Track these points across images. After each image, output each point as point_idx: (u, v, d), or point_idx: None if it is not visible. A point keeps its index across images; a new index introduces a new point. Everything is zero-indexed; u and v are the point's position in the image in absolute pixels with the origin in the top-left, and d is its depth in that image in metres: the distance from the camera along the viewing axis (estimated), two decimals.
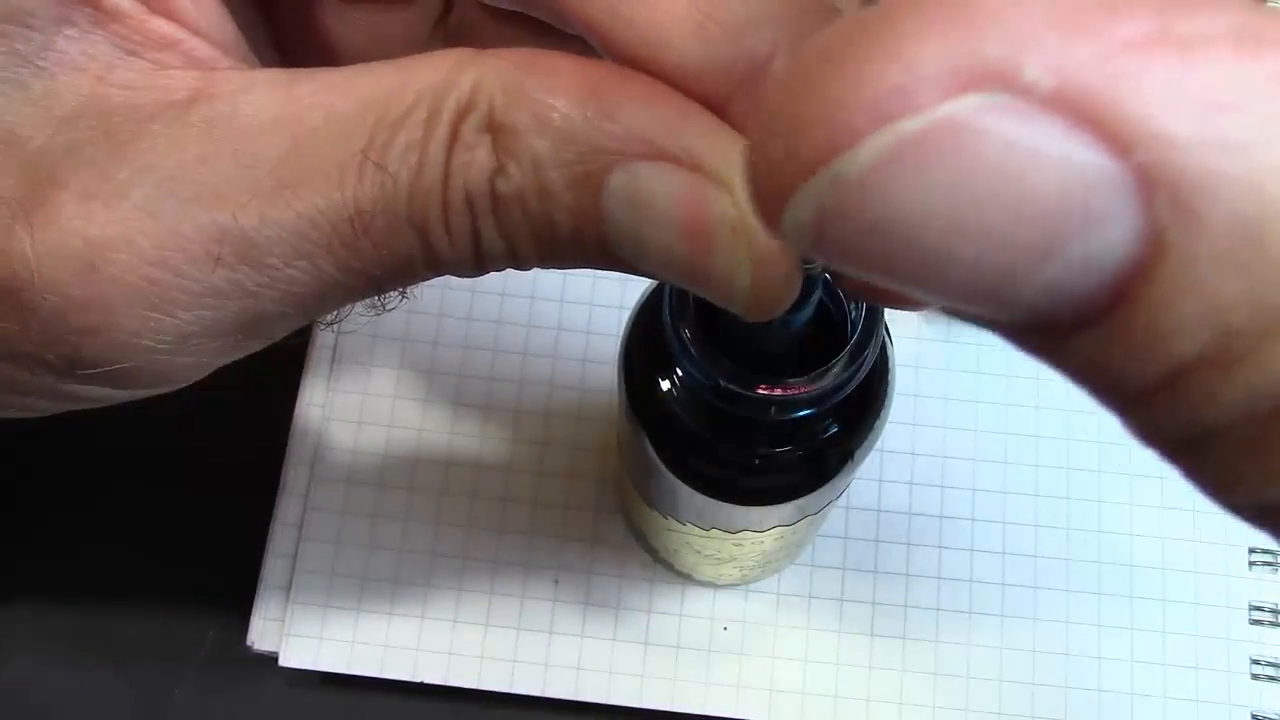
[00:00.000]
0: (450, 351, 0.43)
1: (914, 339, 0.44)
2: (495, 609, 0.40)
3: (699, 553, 0.35)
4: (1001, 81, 0.09)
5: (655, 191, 0.17)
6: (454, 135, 0.18)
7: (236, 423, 0.42)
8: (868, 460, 0.29)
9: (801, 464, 0.28)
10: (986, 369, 0.43)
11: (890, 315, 0.25)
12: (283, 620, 0.40)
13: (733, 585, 0.41)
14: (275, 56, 0.24)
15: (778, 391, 0.24)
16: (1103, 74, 0.09)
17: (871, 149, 0.09)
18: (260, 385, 0.36)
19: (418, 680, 0.40)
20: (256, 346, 0.21)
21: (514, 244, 0.19)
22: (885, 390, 0.28)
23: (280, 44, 0.24)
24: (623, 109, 0.17)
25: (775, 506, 0.29)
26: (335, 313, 0.23)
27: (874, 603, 0.41)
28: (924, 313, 0.44)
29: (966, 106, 0.09)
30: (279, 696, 0.41)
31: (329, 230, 0.18)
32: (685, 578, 0.41)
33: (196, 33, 0.20)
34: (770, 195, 0.10)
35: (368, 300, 0.21)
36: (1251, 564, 0.41)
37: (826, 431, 0.27)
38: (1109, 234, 0.09)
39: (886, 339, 0.27)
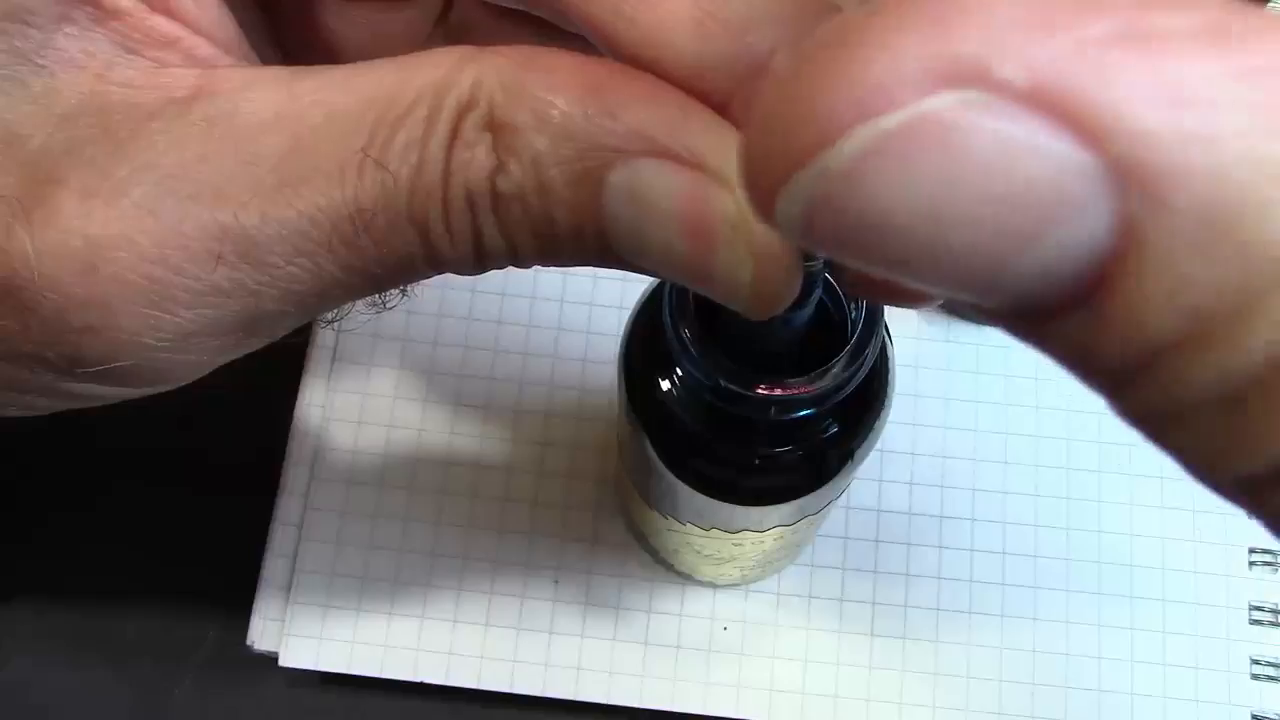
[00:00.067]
0: (450, 351, 0.43)
1: (914, 339, 0.44)
2: (495, 609, 0.40)
3: (699, 553, 0.35)
4: (975, 79, 0.10)
5: (656, 189, 0.17)
6: (454, 133, 0.18)
7: (236, 423, 0.42)
8: (868, 460, 0.29)
9: (801, 464, 0.28)
10: (986, 369, 0.43)
11: (890, 315, 0.25)
12: (283, 620, 0.40)
13: (733, 585, 0.41)
14: (276, 55, 0.24)
15: (778, 391, 0.24)
16: (1073, 70, 0.09)
17: (854, 143, 0.10)
18: (260, 385, 0.36)
19: (418, 680, 0.40)
20: (257, 345, 0.21)
21: (514, 242, 0.19)
22: (885, 390, 0.28)
23: (281, 42, 0.24)
24: (624, 107, 0.17)
25: (775, 506, 0.29)
26: (335, 311, 0.23)
27: (874, 603, 0.41)
28: (924, 313, 0.44)
29: (943, 103, 0.10)
30: (279, 696, 0.41)
31: (330, 228, 0.18)
32: (685, 578, 0.41)
33: (197, 31, 0.20)
34: (763, 188, 0.11)
35: (368, 299, 0.21)
36: (1251, 564, 0.41)
37: (826, 431, 0.27)
38: (1084, 223, 0.10)
39: (886, 339, 0.27)
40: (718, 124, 0.17)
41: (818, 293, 0.22)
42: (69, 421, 0.25)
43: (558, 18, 0.20)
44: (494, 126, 0.18)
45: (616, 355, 0.29)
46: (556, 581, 0.41)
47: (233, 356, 0.21)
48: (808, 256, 0.18)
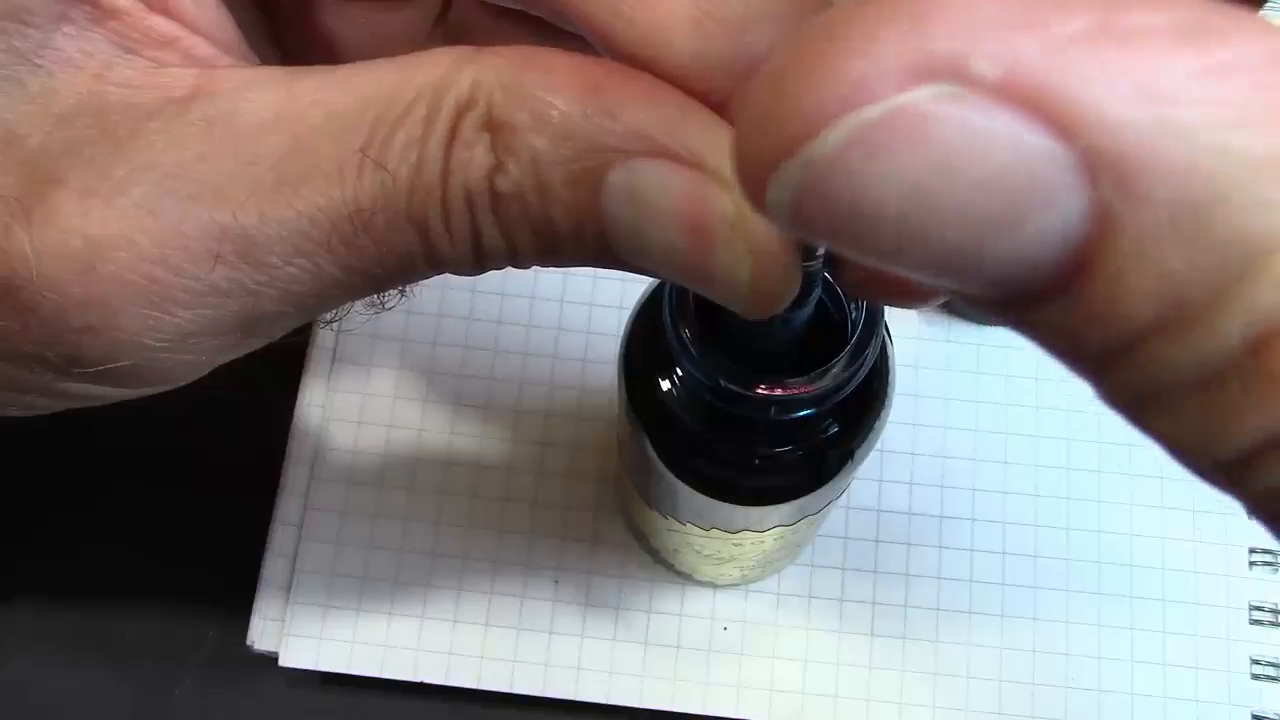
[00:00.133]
0: (450, 351, 0.43)
1: (914, 339, 0.44)
2: (495, 609, 0.40)
3: (699, 553, 0.35)
4: (951, 73, 0.10)
5: (655, 188, 0.17)
6: (453, 133, 0.18)
7: (236, 423, 0.42)
8: (868, 460, 0.29)
9: (801, 464, 0.28)
10: (986, 369, 0.43)
11: (890, 315, 0.25)
12: (283, 620, 0.40)
13: (733, 585, 0.41)
14: (275, 55, 0.24)
15: (778, 391, 0.24)
16: (1046, 65, 0.10)
17: (837, 134, 0.10)
18: (260, 385, 0.36)
19: (418, 680, 0.40)
20: (256, 345, 0.21)
21: (514, 242, 0.19)
22: (885, 390, 0.28)
23: (280, 42, 0.24)
24: (623, 107, 0.17)
25: (775, 506, 0.29)
26: (335, 311, 0.23)
27: (874, 603, 0.41)
28: (924, 312, 0.44)
29: (920, 96, 0.10)
30: (279, 696, 0.41)
31: (329, 228, 0.18)
32: (685, 578, 0.41)
33: (196, 31, 0.20)
34: (754, 177, 0.11)
35: (367, 299, 0.21)
36: (1251, 564, 0.41)
37: (826, 431, 0.27)
38: (1059, 211, 0.10)
39: (886, 339, 0.27)
40: (716, 123, 0.17)
41: (817, 292, 0.22)
42: (69, 421, 0.25)
43: (556, 18, 0.20)
44: (493, 126, 0.18)
45: (616, 355, 0.29)
46: (556, 581, 0.41)
47: (232, 356, 0.21)
48: (807, 256, 0.18)
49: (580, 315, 0.44)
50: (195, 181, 0.18)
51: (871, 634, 0.40)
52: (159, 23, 0.20)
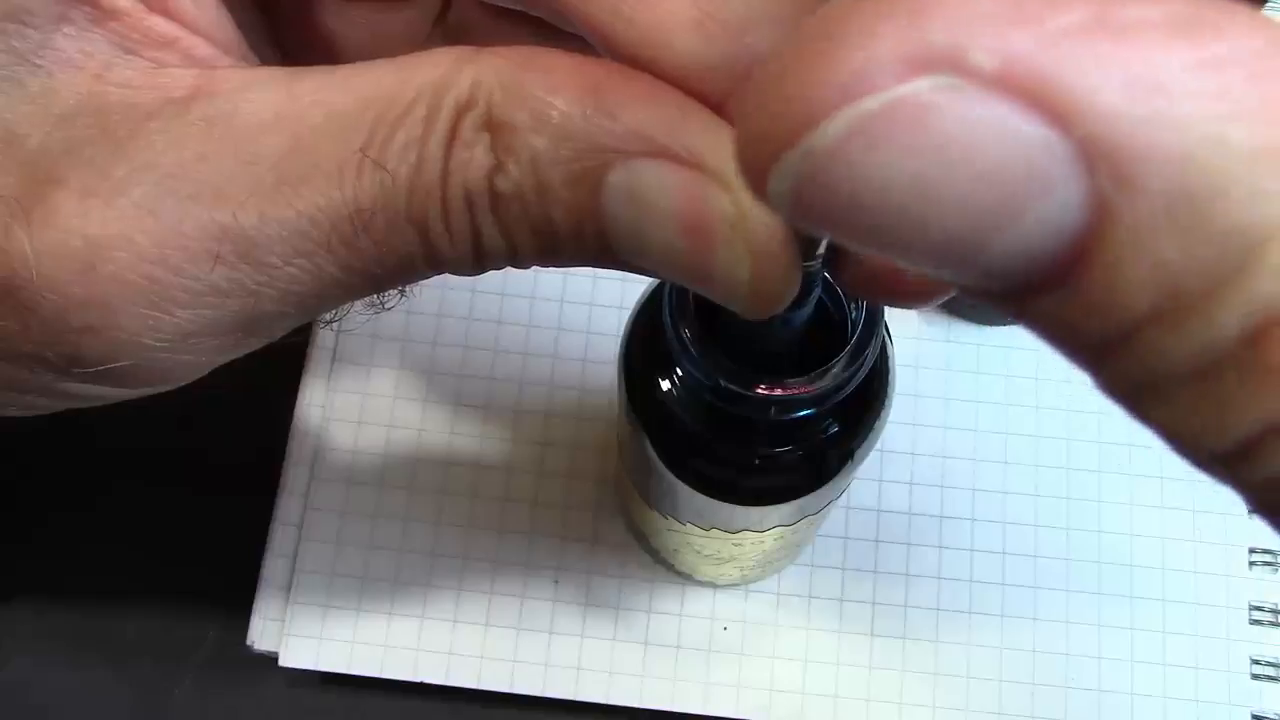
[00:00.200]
0: (450, 351, 0.43)
1: (914, 339, 0.44)
2: (495, 609, 0.40)
3: (699, 553, 0.35)
4: (949, 65, 0.10)
5: (655, 189, 0.17)
6: (453, 133, 0.18)
7: (236, 423, 0.42)
8: (868, 460, 0.29)
9: (801, 464, 0.28)
10: (986, 369, 0.43)
11: (890, 315, 0.25)
12: (283, 620, 0.40)
13: (733, 585, 0.41)
14: (275, 55, 0.24)
15: (778, 391, 0.24)
16: (1043, 57, 0.10)
17: (838, 124, 0.11)
18: (260, 385, 0.36)
19: (418, 680, 0.40)
20: (256, 345, 0.21)
21: (513, 242, 0.19)
22: (885, 390, 0.28)
23: (280, 42, 0.24)
24: (623, 107, 0.17)
25: (775, 506, 0.29)
26: (335, 311, 0.23)
27: (874, 603, 0.41)
28: (924, 312, 0.44)
29: (918, 87, 0.10)
30: (279, 696, 0.41)
31: (329, 228, 0.18)
32: (685, 578, 0.41)
33: (196, 31, 0.20)
34: (756, 167, 0.11)
35: (367, 299, 0.21)
36: (1251, 564, 0.41)
37: (826, 431, 0.27)
38: (1057, 202, 0.10)
39: (886, 339, 0.27)
40: (716, 124, 0.17)
41: (817, 293, 0.22)
42: (69, 421, 0.25)
43: (556, 18, 0.20)
44: (492, 126, 0.18)
45: (616, 355, 0.29)
46: (556, 581, 0.41)
47: (232, 357, 0.21)
48: (806, 256, 0.18)
49: (580, 315, 0.44)
50: (195, 181, 0.18)
51: (871, 634, 0.40)
52: (159, 23, 0.20)
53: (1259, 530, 0.41)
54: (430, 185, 0.18)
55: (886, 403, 0.28)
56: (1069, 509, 0.42)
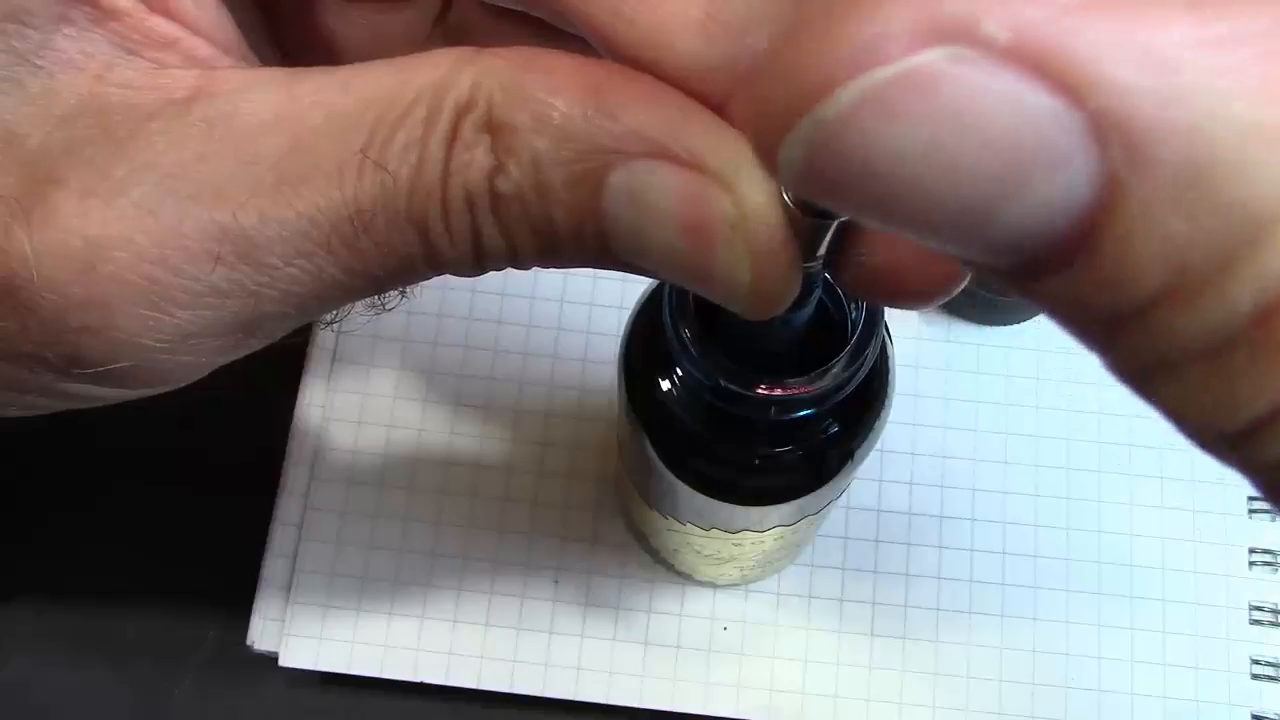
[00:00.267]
0: (450, 351, 0.43)
1: (914, 339, 0.44)
2: (495, 609, 0.40)
3: (699, 553, 0.35)
4: (961, 36, 0.10)
5: (656, 189, 0.17)
6: (453, 134, 0.18)
7: (236, 423, 0.42)
8: (868, 460, 0.29)
9: (801, 464, 0.28)
10: (986, 369, 0.43)
11: (890, 315, 0.25)
12: (283, 620, 0.40)
13: (733, 585, 0.41)
14: (275, 55, 0.24)
15: (778, 391, 0.24)
16: (1056, 29, 0.10)
17: (850, 94, 0.11)
18: (260, 385, 0.36)
19: (418, 680, 0.40)
20: (256, 346, 0.21)
21: (514, 242, 0.19)
22: (885, 390, 0.28)
23: (280, 43, 0.24)
24: (623, 108, 0.17)
25: (775, 506, 0.29)
26: (335, 312, 0.23)
27: (874, 603, 0.41)
28: (924, 313, 0.44)
29: (930, 58, 0.10)
30: (279, 696, 0.41)
31: (329, 229, 0.18)
32: (685, 578, 0.41)
33: (196, 32, 0.20)
34: (768, 136, 0.12)
35: (368, 300, 0.21)
36: (1251, 564, 0.41)
37: (826, 431, 0.27)
38: (1068, 175, 0.10)
39: (886, 339, 0.27)
40: (717, 125, 0.17)
41: (817, 294, 0.22)
42: (69, 421, 0.25)
43: (557, 19, 0.20)
44: (493, 127, 0.18)
45: (616, 355, 0.29)
46: (556, 581, 0.41)
47: (232, 358, 0.21)
48: (807, 257, 0.18)
49: (580, 315, 0.44)
50: (195, 182, 0.18)
51: (871, 634, 0.40)
52: (159, 24, 0.20)
53: (1259, 530, 0.41)
54: (431, 186, 0.18)
55: (886, 403, 0.28)
56: (1069, 509, 0.42)
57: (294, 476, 0.42)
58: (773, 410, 0.24)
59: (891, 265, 0.18)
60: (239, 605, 0.41)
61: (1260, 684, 0.40)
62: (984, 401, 0.43)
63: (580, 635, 0.40)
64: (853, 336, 0.24)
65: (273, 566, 0.41)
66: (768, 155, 0.12)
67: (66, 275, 0.18)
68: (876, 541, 0.41)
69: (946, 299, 0.18)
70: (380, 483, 0.42)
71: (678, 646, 0.40)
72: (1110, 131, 0.10)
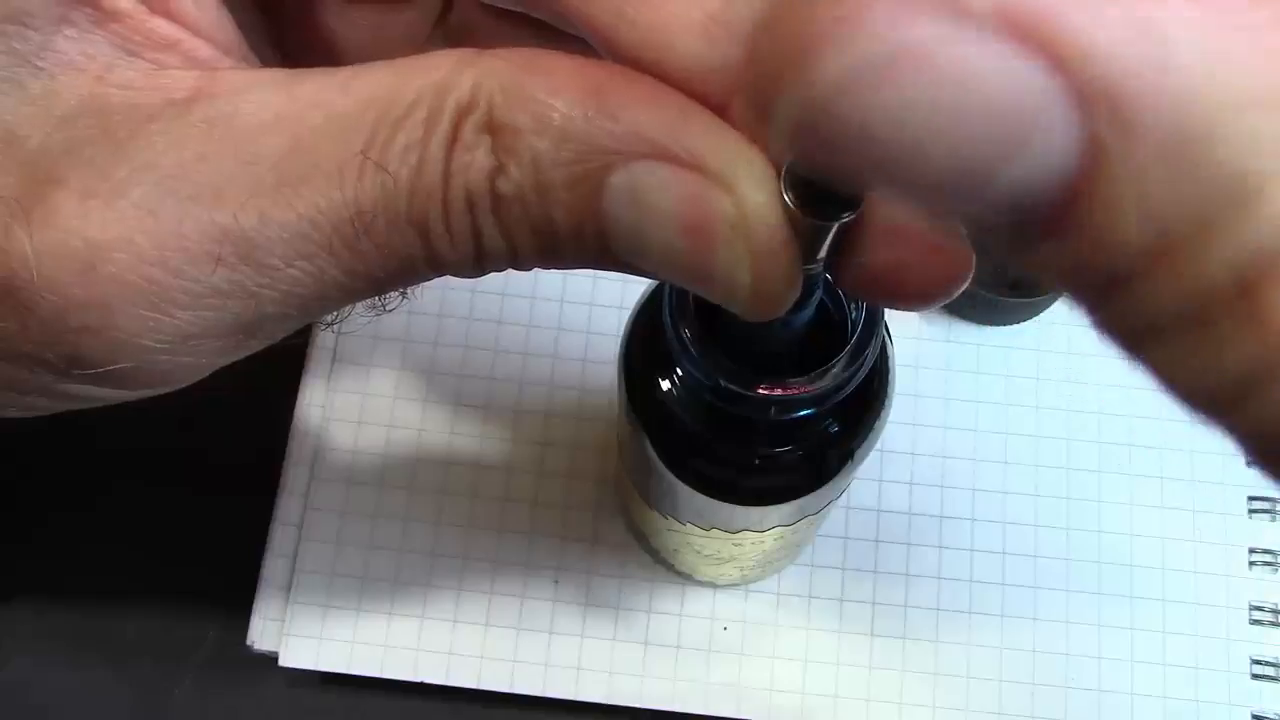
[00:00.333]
0: (450, 351, 0.43)
1: (914, 339, 0.44)
2: (495, 609, 0.40)
3: (699, 553, 0.35)
4: (950, 6, 0.10)
5: (656, 190, 0.17)
6: (454, 135, 0.18)
7: (236, 423, 0.42)
8: (868, 460, 0.29)
9: (801, 464, 0.28)
10: (986, 369, 0.43)
11: (890, 315, 0.25)
12: (283, 620, 0.40)
13: (733, 585, 0.41)
14: (276, 56, 0.24)
15: (778, 391, 0.24)
16: (1042, 1, 0.10)
17: (839, 60, 0.11)
18: (260, 385, 0.36)
19: (418, 680, 0.40)
20: (257, 347, 0.21)
21: (515, 243, 0.19)
22: (885, 390, 0.28)
23: (281, 44, 0.24)
24: (624, 109, 0.17)
25: (775, 506, 0.29)
26: (335, 313, 0.23)
27: (874, 603, 0.41)
28: (924, 313, 0.44)
29: (920, 26, 0.11)
30: (279, 696, 0.41)
31: (330, 230, 0.18)
32: (685, 578, 0.41)
33: (197, 33, 0.20)
34: (764, 97, 0.12)
35: (368, 301, 0.21)
36: (1251, 564, 0.41)
37: (826, 431, 0.27)
38: (1054, 141, 0.11)
39: (886, 339, 0.27)
40: (718, 126, 0.17)
41: (818, 295, 0.22)
42: (69, 421, 0.25)
43: (558, 20, 0.20)
44: (493, 128, 0.18)
45: (616, 355, 0.29)
46: (556, 581, 0.41)
47: (232, 358, 0.21)
48: (808, 259, 0.18)
49: (580, 315, 0.44)
50: (195, 183, 0.18)
51: (871, 634, 0.40)
52: (160, 25, 0.20)
53: (1259, 530, 0.41)
54: (431, 187, 0.18)
55: (886, 403, 0.28)
56: (1069, 509, 0.42)
57: (294, 476, 0.42)
58: (773, 410, 0.24)
59: (892, 266, 0.18)
60: (239, 605, 0.41)
61: (1260, 684, 0.40)
62: (984, 401, 0.43)
63: (580, 635, 0.40)
64: (853, 336, 0.24)
65: (273, 566, 0.41)
66: (762, 115, 0.12)
67: (67, 276, 0.18)
68: (876, 541, 0.41)
69: (947, 300, 0.18)
70: (380, 483, 0.42)
71: (678, 646, 0.40)
72: (1095, 99, 0.10)
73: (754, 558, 0.35)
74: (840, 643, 0.40)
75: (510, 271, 0.20)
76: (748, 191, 0.17)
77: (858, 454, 0.28)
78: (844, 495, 0.38)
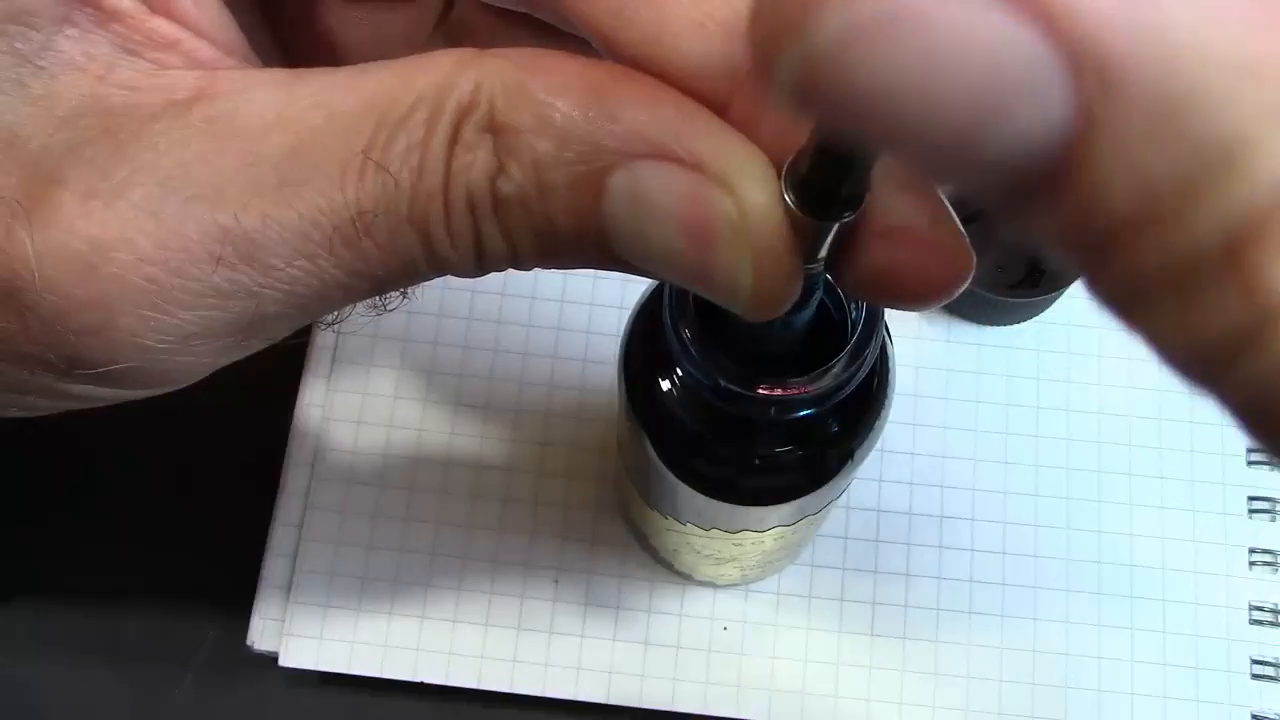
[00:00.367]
0: (450, 351, 0.43)
1: (914, 339, 0.44)
2: (495, 609, 0.40)
3: (699, 553, 0.35)
4: None
5: (657, 190, 0.17)
6: (455, 136, 0.18)
7: (237, 423, 0.42)
8: (868, 460, 0.29)
9: (801, 464, 0.28)
10: (986, 369, 0.43)
11: (890, 315, 0.25)
12: (283, 620, 0.40)
13: (733, 585, 0.41)
14: (277, 56, 0.24)
15: (778, 391, 0.24)
16: None
17: (840, 16, 0.11)
18: (260, 385, 0.36)
19: (418, 680, 0.40)
20: (257, 347, 0.21)
21: (515, 244, 0.19)
22: (885, 390, 0.28)
23: (282, 44, 0.24)
24: (625, 109, 0.17)
25: (775, 506, 0.29)
26: (336, 313, 0.23)
27: (874, 603, 0.41)
28: (924, 313, 0.44)
29: None
30: (279, 696, 0.41)
31: (331, 230, 0.18)
32: (685, 578, 0.41)
33: (198, 33, 0.20)
34: (766, 52, 0.12)
35: (369, 301, 0.21)
36: (1251, 564, 0.41)
37: (826, 431, 0.27)
38: (1047, 101, 0.11)
39: (886, 339, 0.27)
40: (719, 126, 0.17)
41: (818, 294, 0.22)
42: (69, 422, 0.25)
43: (559, 20, 0.20)
44: (495, 129, 0.18)
45: (616, 355, 0.29)
46: (556, 581, 0.41)
47: (233, 358, 0.21)
48: (808, 259, 0.18)
49: (580, 315, 0.44)
50: (197, 183, 0.18)
51: (871, 634, 0.40)
52: (161, 25, 0.20)
53: (1259, 530, 0.41)
54: (432, 188, 0.18)
55: (886, 403, 0.28)
56: (1069, 509, 0.42)
57: (294, 476, 0.42)
58: (773, 410, 0.24)
59: (892, 266, 0.18)
60: (239, 605, 0.41)
61: (1260, 684, 0.40)
62: (984, 401, 0.43)
63: (580, 635, 0.40)
64: (853, 336, 0.24)
65: (273, 566, 0.41)
66: (765, 70, 0.12)
67: (68, 276, 0.18)
68: (876, 541, 0.41)
69: (947, 301, 0.18)
70: (380, 483, 0.42)
71: (678, 646, 0.40)
72: (1085, 62, 0.10)
73: (754, 558, 0.35)
74: (840, 643, 0.40)
75: (510, 271, 0.20)
76: (748, 191, 0.17)
77: (858, 454, 0.28)
78: (844, 495, 0.38)
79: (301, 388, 0.43)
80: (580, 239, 0.18)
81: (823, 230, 0.17)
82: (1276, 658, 0.40)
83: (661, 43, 0.18)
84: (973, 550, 0.41)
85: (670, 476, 0.29)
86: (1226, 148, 0.10)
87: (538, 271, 0.26)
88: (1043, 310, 0.43)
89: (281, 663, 0.40)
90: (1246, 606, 0.41)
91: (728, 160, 0.17)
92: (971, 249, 0.18)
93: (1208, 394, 0.12)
